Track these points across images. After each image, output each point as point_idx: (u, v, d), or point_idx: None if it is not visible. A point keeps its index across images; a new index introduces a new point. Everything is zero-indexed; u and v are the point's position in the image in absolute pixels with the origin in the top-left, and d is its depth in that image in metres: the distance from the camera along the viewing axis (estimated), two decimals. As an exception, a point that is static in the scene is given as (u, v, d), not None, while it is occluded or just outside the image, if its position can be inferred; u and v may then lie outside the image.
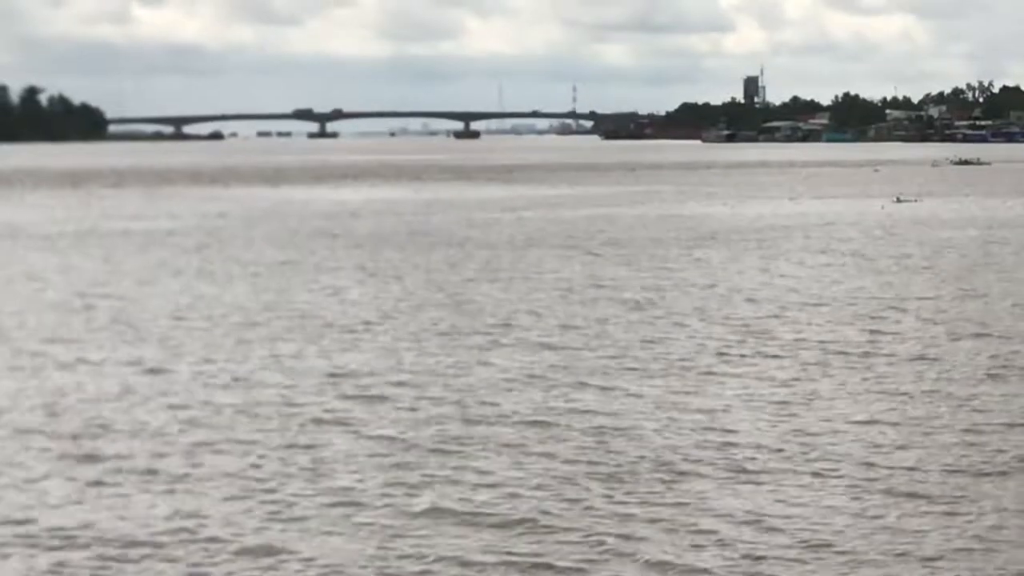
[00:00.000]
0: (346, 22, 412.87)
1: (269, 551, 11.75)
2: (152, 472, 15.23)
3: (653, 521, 12.58)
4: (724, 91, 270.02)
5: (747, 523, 12.39)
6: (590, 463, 14.72)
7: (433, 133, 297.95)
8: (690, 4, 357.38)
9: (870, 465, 14.33)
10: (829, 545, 11.77)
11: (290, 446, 16.96)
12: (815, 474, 14.22)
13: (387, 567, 11.03)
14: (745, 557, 11.48)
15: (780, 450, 15.90)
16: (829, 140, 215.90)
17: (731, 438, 16.50)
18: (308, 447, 16.89)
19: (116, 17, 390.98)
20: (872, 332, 24.58)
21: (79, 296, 32.52)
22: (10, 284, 35.89)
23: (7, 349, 24.68)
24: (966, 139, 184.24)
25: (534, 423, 17.37)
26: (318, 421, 18.18)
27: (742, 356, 21.56)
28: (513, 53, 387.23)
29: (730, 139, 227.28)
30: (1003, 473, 13.89)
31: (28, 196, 79.47)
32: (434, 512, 13.49)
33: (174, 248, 44.19)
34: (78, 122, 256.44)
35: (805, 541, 12.11)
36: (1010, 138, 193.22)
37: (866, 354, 21.88)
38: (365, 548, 11.54)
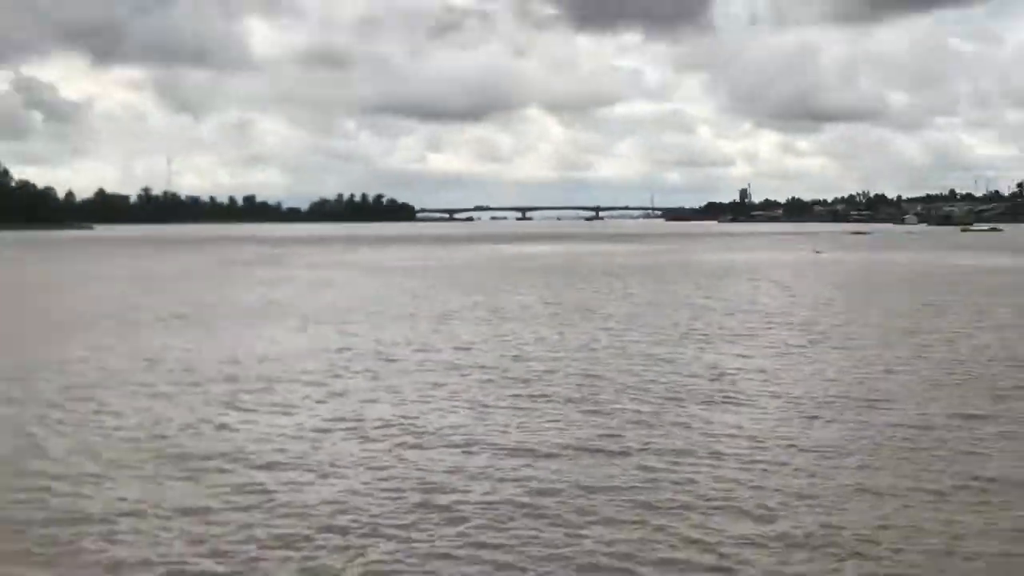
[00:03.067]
0: (537, 159, 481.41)
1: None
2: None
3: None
4: (730, 196, 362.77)
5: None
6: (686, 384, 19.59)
7: (577, 218, 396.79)
8: (711, 151, 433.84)
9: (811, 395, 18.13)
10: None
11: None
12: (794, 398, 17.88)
13: None
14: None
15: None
16: (785, 221, 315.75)
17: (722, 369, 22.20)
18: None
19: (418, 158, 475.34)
20: (813, 308, 38.70)
21: (390, 296, 45.89)
22: (354, 288, 50.95)
23: (370, 320, 34.19)
24: (857, 220, 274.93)
25: (660, 360, 23.40)
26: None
27: (749, 327, 30.06)
28: (622, 175, 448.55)
29: (732, 221, 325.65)
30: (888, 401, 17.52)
31: (368, 249, 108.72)
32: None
33: (450, 272, 63.41)
34: (402, 212, 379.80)
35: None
36: (878, 221, 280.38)
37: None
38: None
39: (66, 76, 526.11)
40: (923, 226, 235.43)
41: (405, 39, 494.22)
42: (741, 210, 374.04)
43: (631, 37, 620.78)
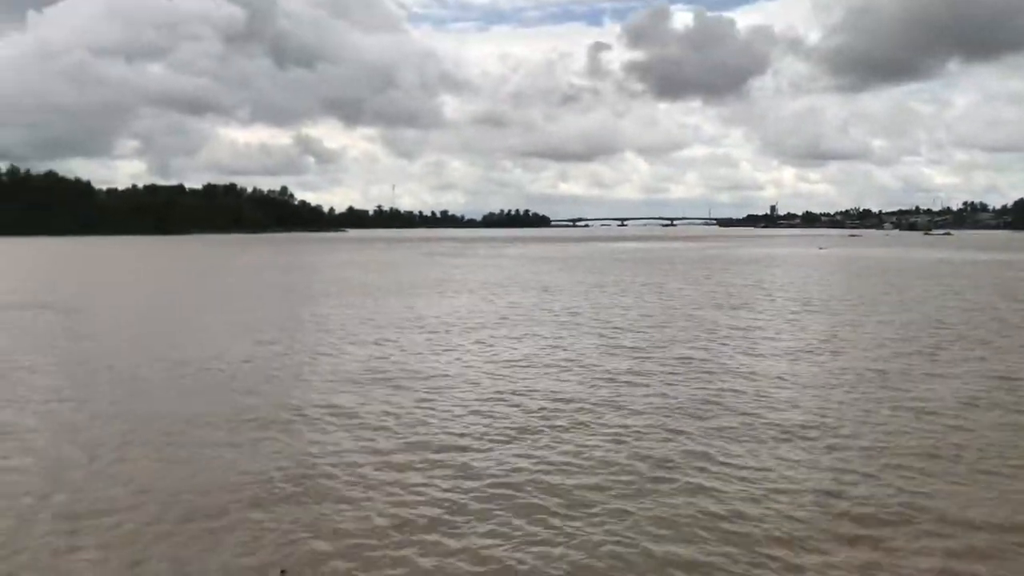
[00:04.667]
0: (630, 186, 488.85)
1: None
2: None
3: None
4: (763, 210, 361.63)
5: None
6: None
7: (656, 225, 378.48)
8: (749, 180, 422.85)
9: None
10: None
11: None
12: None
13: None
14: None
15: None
16: (801, 227, 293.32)
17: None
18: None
19: (552, 186, 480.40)
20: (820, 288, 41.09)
21: (535, 274, 47.49)
22: (508, 270, 51.16)
23: (521, 290, 36.63)
24: (851, 227, 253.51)
25: (697, 318, 23.39)
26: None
27: (771, 301, 28.54)
28: (687, 196, 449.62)
29: (764, 227, 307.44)
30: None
31: (519, 245, 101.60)
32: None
33: (573, 260, 62.90)
34: (542, 221, 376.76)
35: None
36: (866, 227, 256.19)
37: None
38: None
39: (328, 133, 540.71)
40: (896, 231, 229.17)
41: (542, 107, 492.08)
42: (771, 220, 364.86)
43: (694, 103, 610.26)
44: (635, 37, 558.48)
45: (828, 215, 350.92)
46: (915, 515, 7.81)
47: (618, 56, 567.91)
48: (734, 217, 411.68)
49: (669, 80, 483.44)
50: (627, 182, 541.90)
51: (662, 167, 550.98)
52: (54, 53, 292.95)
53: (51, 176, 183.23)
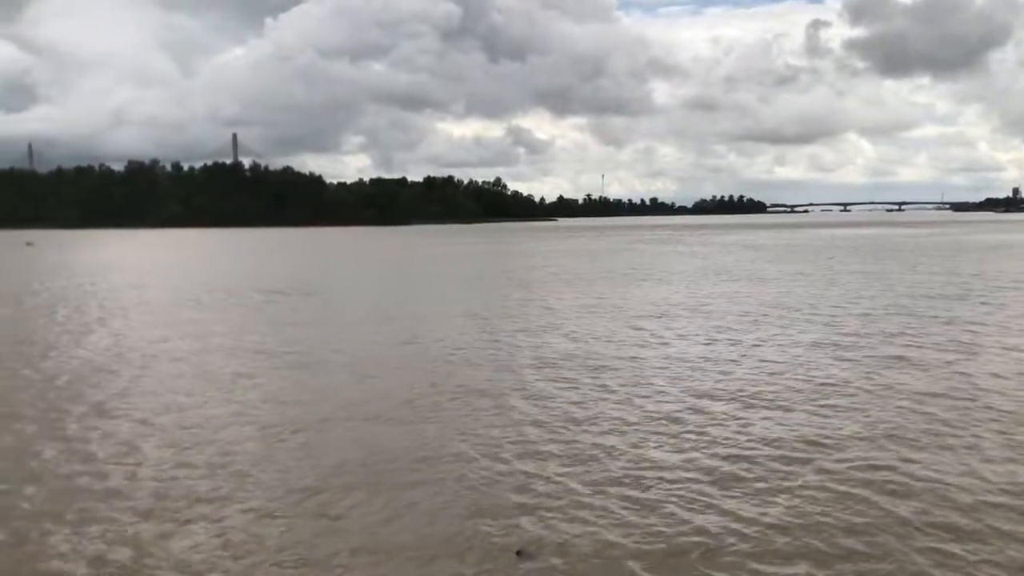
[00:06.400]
0: (853, 169, 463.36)
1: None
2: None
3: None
4: (1004, 193, 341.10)
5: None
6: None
7: (882, 210, 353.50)
8: (986, 161, 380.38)
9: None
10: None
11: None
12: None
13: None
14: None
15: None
16: None
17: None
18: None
19: (767, 171, 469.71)
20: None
21: (744, 263, 45.89)
22: (715, 258, 49.52)
23: (729, 279, 38.09)
24: None
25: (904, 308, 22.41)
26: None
27: None
28: (917, 179, 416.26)
29: (1005, 211, 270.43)
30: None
31: (730, 233, 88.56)
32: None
33: (787, 249, 59.68)
34: (757, 207, 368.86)
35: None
36: None
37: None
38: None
39: (538, 124, 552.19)
40: None
41: (757, 89, 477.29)
42: (1013, 204, 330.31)
43: (922, 80, 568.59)
44: (857, 12, 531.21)
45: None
46: None
47: (838, 33, 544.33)
48: (970, 201, 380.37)
49: (895, 56, 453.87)
50: (850, 165, 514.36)
51: (888, 148, 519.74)
52: (287, 56, 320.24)
53: (288, 171, 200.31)
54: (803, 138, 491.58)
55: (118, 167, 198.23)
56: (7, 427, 10.83)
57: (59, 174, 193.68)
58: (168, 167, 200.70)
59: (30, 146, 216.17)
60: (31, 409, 11.89)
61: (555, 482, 8.30)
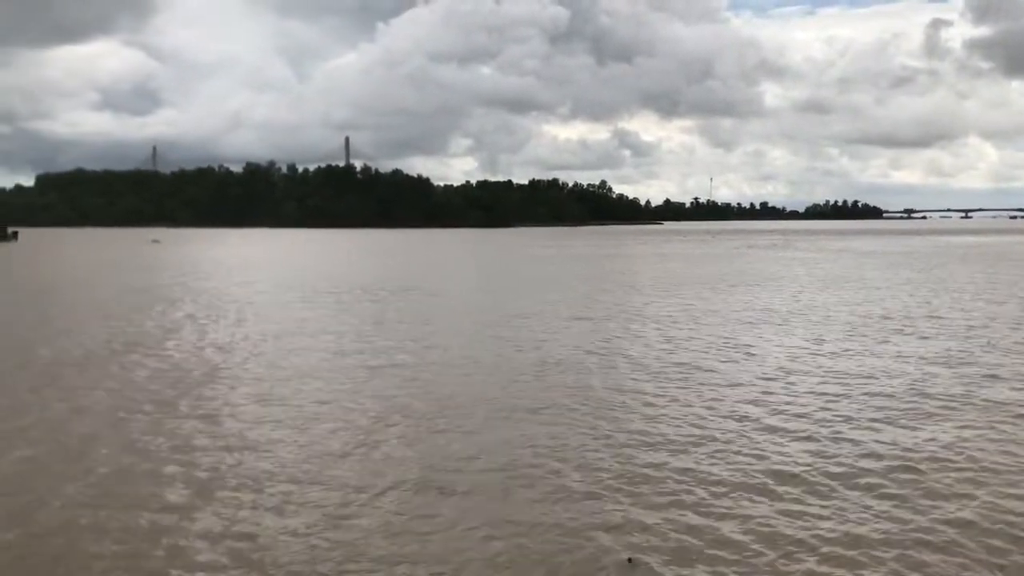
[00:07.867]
0: (975, 174, 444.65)
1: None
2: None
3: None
4: None
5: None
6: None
7: (1006, 218, 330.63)
8: None
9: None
10: None
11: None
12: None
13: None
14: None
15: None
16: None
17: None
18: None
19: (883, 175, 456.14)
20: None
21: (856, 272, 45.78)
22: (828, 265, 49.55)
23: (839, 288, 37.02)
24: None
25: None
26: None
27: None
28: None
29: None
30: None
31: (843, 239, 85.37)
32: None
33: (903, 256, 57.67)
34: (872, 212, 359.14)
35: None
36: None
37: None
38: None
39: (644, 127, 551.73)
40: None
41: (872, 91, 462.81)
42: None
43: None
44: (981, 12, 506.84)
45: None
46: None
47: (960, 32, 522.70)
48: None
49: (1021, 56, 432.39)
50: (971, 169, 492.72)
51: (1014, 153, 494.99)
52: (398, 61, 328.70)
53: (397, 174, 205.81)
54: (920, 141, 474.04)
55: (236, 168, 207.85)
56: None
57: (181, 175, 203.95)
58: (284, 169, 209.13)
59: (154, 148, 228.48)
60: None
61: (669, 490, 8.26)
